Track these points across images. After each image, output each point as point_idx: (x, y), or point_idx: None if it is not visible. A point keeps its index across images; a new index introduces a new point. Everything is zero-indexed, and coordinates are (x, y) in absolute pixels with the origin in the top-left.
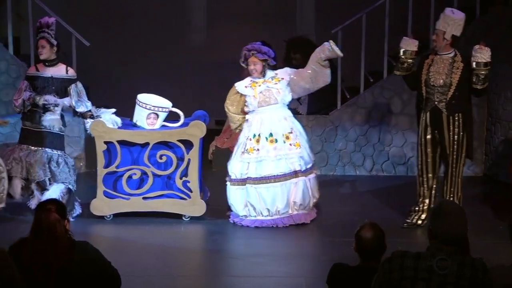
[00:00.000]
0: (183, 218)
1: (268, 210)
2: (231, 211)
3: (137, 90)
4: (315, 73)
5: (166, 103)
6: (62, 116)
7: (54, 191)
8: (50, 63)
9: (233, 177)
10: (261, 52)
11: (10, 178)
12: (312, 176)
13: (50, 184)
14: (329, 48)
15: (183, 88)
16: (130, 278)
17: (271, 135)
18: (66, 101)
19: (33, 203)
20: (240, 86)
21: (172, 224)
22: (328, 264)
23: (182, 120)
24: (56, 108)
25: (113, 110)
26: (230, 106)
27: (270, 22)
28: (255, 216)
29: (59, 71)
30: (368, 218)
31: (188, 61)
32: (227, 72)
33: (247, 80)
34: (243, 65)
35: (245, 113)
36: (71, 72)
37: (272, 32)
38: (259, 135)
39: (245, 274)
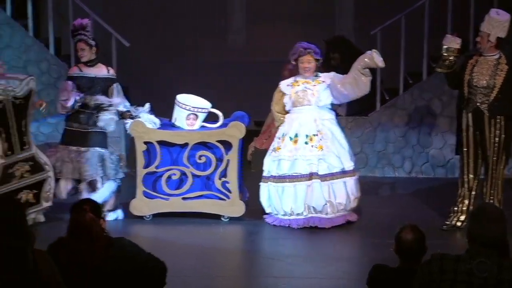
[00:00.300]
0: (222, 218)
1: (283, 209)
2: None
3: (176, 91)
4: (355, 81)
5: (206, 104)
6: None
7: (107, 189)
8: (91, 63)
9: (263, 174)
10: (316, 52)
11: (57, 179)
12: (338, 180)
13: (102, 182)
14: (369, 56)
15: (222, 88)
16: (169, 279)
17: (296, 135)
18: (118, 101)
19: None
20: (283, 84)
21: (211, 225)
22: (368, 265)
23: (221, 121)
24: (111, 107)
25: (147, 104)
26: (275, 105)
27: (309, 23)
28: (276, 214)
29: (101, 71)
30: (408, 220)
31: (228, 61)
32: (266, 73)
33: (291, 79)
34: (293, 62)
35: (287, 112)
36: (112, 72)
37: (311, 33)
38: (286, 134)
39: (284, 275)
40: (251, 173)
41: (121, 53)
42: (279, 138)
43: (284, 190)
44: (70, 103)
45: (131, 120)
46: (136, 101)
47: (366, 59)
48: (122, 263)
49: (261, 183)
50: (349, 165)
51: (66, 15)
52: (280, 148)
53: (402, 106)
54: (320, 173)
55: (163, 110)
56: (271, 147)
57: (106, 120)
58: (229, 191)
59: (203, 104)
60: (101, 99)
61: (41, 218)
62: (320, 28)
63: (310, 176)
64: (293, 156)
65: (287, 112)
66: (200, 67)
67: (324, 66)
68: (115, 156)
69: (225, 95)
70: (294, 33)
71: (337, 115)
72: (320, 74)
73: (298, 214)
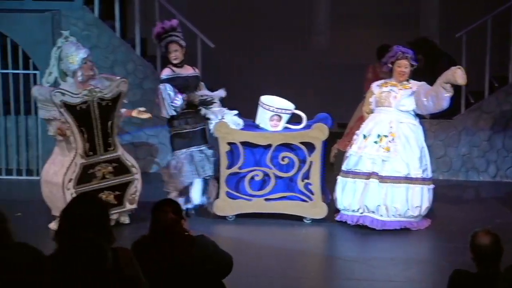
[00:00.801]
0: (305, 220)
1: (360, 207)
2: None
3: (260, 92)
4: (436, 94)
5: (289, 105)
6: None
7: (199, 188)
8: (180, 64)
9: (341, 168)
10: (413, 58)
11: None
12: (401, 185)
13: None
14: (451, 72)
15: (306, 90)
16: (251, 279)
17: (369, 134)
18: (221, 93)
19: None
20: (375, 84)
21: (293, 226)
22: (447, 269)
23: (304, 123)
24: (214, 100)
25: (235, 112)
26: (366, 104)
27: (393, 25)
28: (353, 211)
29: (188, 70)
30: (491, 224)
31: (312, 63)
32: (350, 74)
33: (382, 81)
34: (389, 65)
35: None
36: (197, 71)
37: (395, 35)
38: (367, 132)
39: (366, 278)
40: (333, 175)
41: (205, 54)
42: (357, 135)
43: (346, 185)
44: (180, 102)
45: (215, 121)
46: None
47: (449, 75)
48: (205, 261)
49: (337, 178)
50: (416, 172)
51: (152, 16)
52: (359, 146)
53: (487, 109)
54: (380, 173)
55: (247, 111)
56: (350, 144)
57: (217, 111)
58: (312, 193)
59: (287, 105)
60: (204, 92)
61: (126, 220)
62: (404, 29)
63: (370, 174)
64: (359, 153)
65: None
66: (283, 68)
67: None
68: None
69: (309, 97)
70: (378, 34)
71: (421, 118)
72: (411, 81)
73: (353, 211)
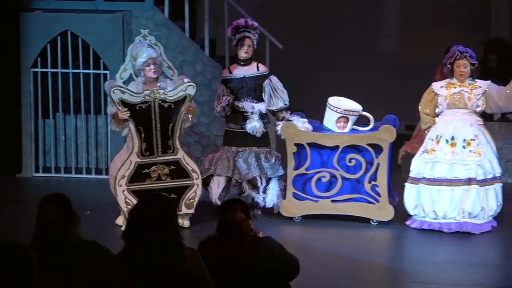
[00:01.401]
0: (371, 222)
1: (435, 212)
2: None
3: (328, 93)
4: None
5: (357, 107)
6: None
7: (274, 189)
8: (246, 62)
9: (411, 174)
10: (472, 56)
11: (210, 177)
12: (491, 187)
13: (261, 181)
14: None
15: (373, 92)
16: (317, 280)
17: (452, 138)
18: (261, 106)
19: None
20: (437, 85)
21: (359, 228)
22: None
23: (372, 124)
24: (253, 114)
25: (305, 120)
26: (424, 106)
27: (463, 26)
28: (424, 217)
29: (251, 69)
30: None
31: (380, 65)
32: (418, 76)
33: (445, 81)
34: (448, 65)
35: (437, 115)
36: (263, 68)
37: (465, 36)
38: (440, 136)
39: (433, 281)
40: (401, 177)
41: (274, 55)
42: (432, 140)
43: (440, 193)
44: (218, 108)
45: (283, 122)
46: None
47: None
48: (271, 262)
49: (407, 184)
50: (499, 170)
51: (221, 17)
52: (434, 150)
53: None
54: (478, 178)
55: (315, 112)
56: (422, 148)
57: (250, 128)
58: (379, 195)
59: (354, 107)
60: (245, 106)
61: (186, 223)
62: (475, 31)
63: (469, 181)
64: (452, 160)
65: (436, 115)
66: (352, 70)
67: (481, 68)
68: (274, 154)
69: (376, 98)
70: (448, 36)
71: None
72: (477, 80)
73: (450, 218)
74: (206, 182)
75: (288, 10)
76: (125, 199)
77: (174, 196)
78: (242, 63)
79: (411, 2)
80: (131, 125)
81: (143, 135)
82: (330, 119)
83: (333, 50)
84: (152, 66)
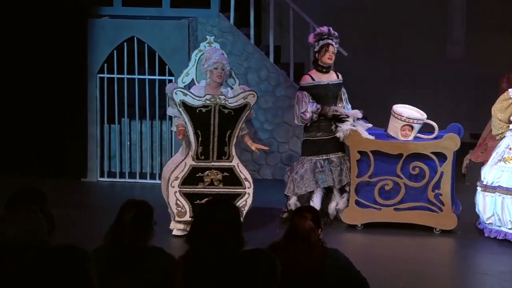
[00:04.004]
0: (434, 231)
1: None
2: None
3: (392, 101)
4: None
5: (421, 115)
6: None
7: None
8: (327, 70)
9: (484, 182)
10: None
11: (310, 193)
12: None
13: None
14: None
15: (438, 100)
16: None
17: None
18: (355, 112)
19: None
20: None
21: (422, 237)
22: None
23: (436, 133)
24: (348, 117)
25: (370, 125)
26: (498, 111)
27: None
28: (500, 226)
29: (332, 76)
30: None
31: (445, 73)
32: (484, 85)
33: None
34: None
35: (511, 122)
36: (341, 77)
37: None
38: None
39: None
40: (465, 186)
41: (339, 62)
42: (509, 149)
43: None
44: (308, 115)
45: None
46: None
47: None
48: (336, 273)
49: (481, 192)
50: None
51: (286, 24)
52: (510, 159)
53: None
54: None
55: (379, 120)
56: (497, 157)
57: (345, 131)
58: (442, 204)
59: (418, 115)
60: (339, 110)
61: None
62: None
63: None
64: None
65: (510, 122)
66: (417, 77)
67: None
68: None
69: (441, 106)
70: None
71: None
72: None
73: None
74: (302, 199)
75: (352, 17)
76: (176, 200)
77: None
78: (324, 70)
79: (478, 9)
80: (190, 128)
81: (200, 138)
82: (394, 127)
83: (398, 57)
84: (219, 70)
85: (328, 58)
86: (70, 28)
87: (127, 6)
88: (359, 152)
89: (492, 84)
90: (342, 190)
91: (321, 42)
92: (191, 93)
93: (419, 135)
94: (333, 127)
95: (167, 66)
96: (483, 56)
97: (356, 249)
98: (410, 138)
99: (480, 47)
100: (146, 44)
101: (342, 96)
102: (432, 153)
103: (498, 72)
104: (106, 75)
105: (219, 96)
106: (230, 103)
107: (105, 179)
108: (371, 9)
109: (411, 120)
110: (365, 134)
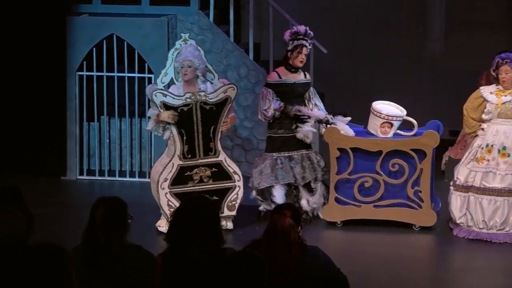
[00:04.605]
0: (414, 227)
1: (485, 222)
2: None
3: (371, 98)
4: None
5: (400, 112)
6: None
7: (321, 190)
8: (296, 69)
9: (457, 182)
10: None
11: (269, 188)
12: None
13: (315, 184)
14: None
15: (417, 97)
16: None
17: (504, 148)
18: (319, 114)
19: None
20: (486, 91)
21: (402, 233)
22: None
23: (415, 129)
24: (310, 118)
25: (349, 118)
26: (470, 110)
27: (508, 31)
28: (470, 226)
29: (299, 76)
30: None
31: (424, 70)
32: (463, 82)
33: (492, 87)
34: (493, 73)
35: (483, 120)
36: (308, 77)
37: (509, 41)
38: (492, 145)
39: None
40: (444, 183)
41: (318, 60)
42: (481, 148)
43: (491, 203)
44: (270, 113)
45: (327, 126)
46: (332, 107)
47: None
48: (315, 271)
49: (454, 192)
50: None
51: (266, 21)
52: (483, 159)
53: None
54: None
55: (359, 117)
56: (470, 156)
57: (304, 132)
58: (421, 200)
59: (398, 112)
60: (302, 110)
61: (230, 226)
62: None
63: None
64: (505, 171)
65: (482, 120)
66: (396, 75)
67: None
68: (320, 156)
69: (421, 103)
70: (495, 42)
71: None
72: None
73: (500, 229)
74: (263, 194)
75: (332, 14)
76: (167, 202)
77: (216, 198)
78: (292, 70)
79: (457, 7)
80: (173, 128)
81: (185, 137)
82: (373, 124)
83: (377, 54)
84: (185, 68)
85: (299, 61)
86: (49, 26)
87: (106, 4)
88: (339, 149)
89: (471, 81)
90: (310, 187)
91: (296, 42)
92: (170, 93)
93: (398, 132)
94: (294, 126)
95: (146, 64)
96: (462, 54)
97: (336, 246)
98: (390, 135)
99: (460, 45)
100: (125, 42)
101: (310, 95)
102: (411, 150)
103: (477, 69)
104: (85, 73)
105: (199, 93)
106: (210, 98)
107: (85, 177)
108: (350, 7)
109: (390, 117)
110: (346, 130)
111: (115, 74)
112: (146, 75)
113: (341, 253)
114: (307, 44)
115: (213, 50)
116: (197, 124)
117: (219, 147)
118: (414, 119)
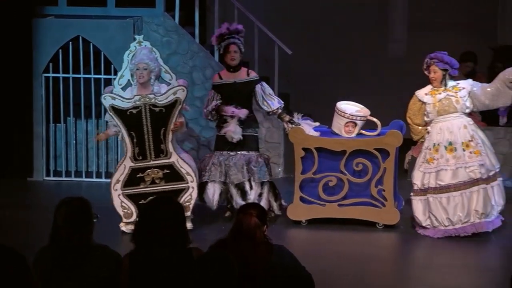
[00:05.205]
0: (377, 226)
1: (450, 219)
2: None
3: (336, 98)
4: (498, 92)
5: (364, 112)
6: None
7: (256, 192)
8: (235, 69)
9: (415, 187)
10: (442, 62)
11: (204, 184)
12: (495, 183)
13: (250, 185)
14: None
15: (381, 97)
16: (323, 282)
17: (450, 143)
18: (242, 113)
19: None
20: (420, 93)
21: (366, 232)
22: None
23: (379, 129)
24: (231, 118)
25: (317, 124)
26: (413, 116)
27: (469, 32)
28: (437, 226)
29: (240, 75)
30: None
31: (387, 70)
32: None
33: (427, 88)
34: (426, 73)
35: (427, 124)
36: (253, 74)
37: (472, 42)
38: (438, 144)
39: (438, 285)
40: (407, 182)
41: (283, 61)
42: (429, 149)
43: (450, 200)
44: (204, 113)
45: (292, 126)
46: (297, 108)
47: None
48: (281, 269)
49: (414, 197)
50: (497, 165)
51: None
52: (433, 159)
53: None
54: (483, 177)
55: (323, 117)
56: (421, 160)
57: (225, 130)
58: (385, 199)
59: (362, 112)
60: (226, 110)
61: (189, 226)
62: (481, 36)
63: (476, 181)
64: (455, 165)
65: (425, 124)
66: (361, 75)
67: (488, 74)
68: (263, 159)
69: (384, 104)
70: (456, 42)
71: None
72: (459, 82)
73: (465, 222)
74: (201, 189)
75: (296, 16)
76: (121, 203)
77: None
78: (231, 69)
79: (419, 8)
80: (123, 130)
81: (135, 140)
82: (337, 124)
83: (341, 55)
84: (140, 71)
85: (230, 59)
86: (15, 28)
87: (72, 6)
88: (304, 149)
89: None
90: (243, 189)
91: (223, 44)
92: (120, 96)
93: (362, 131)
94: (218, 125)
95: (112, 65)
96: (424, 54)
97: (300, 245)
98: (354, 134)
99: (422, 46)
100: (91, 44)
101: (257, 92)
102: (375, 149)
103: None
104: (51, 75)
105: (149, 96)
106: (160, 101)
107: (51, 178)
108: (314, 8)
109: (354, 117)
110: (310, 131)
111: (81, 75)
112: (112, 77)
113: (306, 252)
114: (235, 41)
115: (179, 51)
116: (147, 126)
117: (171, 149)
118: (378, 119)
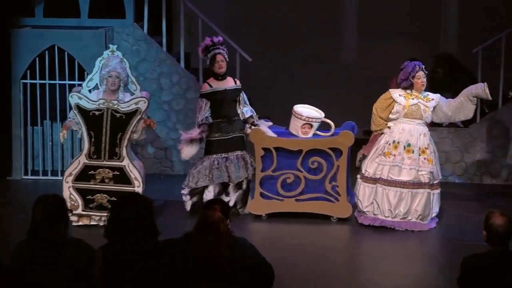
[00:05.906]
0: (332, 219)
1: (391, 211)
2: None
3: (292, 102)
4: (461, 105)
5: (319, 114)
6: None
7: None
8: (223, 77)
9: (365, 174)
10: (426, 70)
11: (205, 187)
12: (436, 191)
13: (246, 182)
14: (481, 88)
15: (334, 100)
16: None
17: (409, 145)
18: (193, 134)
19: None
20: (395, 93)
21: (321, 224)
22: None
23: (332, 130)
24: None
25: (270, 123)
26: (380, 110)
27: (416, 40)
28: (376, 214)
29: (229, 82)
30: None
31: (340, 76)
32: (374, 86)
33: (401, 90)
34: (411, 80)
35: (389, 120)
36: (238, 83)
37: (416, 50)
38: (398, 142)
39: (390, 272)
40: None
41: (244, 68)
42: (388, 144)
43: (397, 195)
44: (197, 124)
45: (253, 127)
46: (257, 112)
47: (478, 90)
48: (243, 261)
49: (362, 183)
50: (441, 176)
51: (195, 32)
52: (391, 154)
53: (500, 118)
54: (430, 183)
55: (281, 119)
56: (377, 151)
57: (182, 152)
58: (338, 194)
59: (317, 114)
60: (246, 112)
61: None
62: (426, 44)
63: (423, 185)
64: (409, 166)
65: (388, 119)
66: (315, 81)
67: (428, 80)
68: (252, 158)
69: (336, 106)
70: (404, 50)
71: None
72: (428, 93)
73: (404, 218)
74: (199, 193)
75: (256, 25)
76: (70, 195)
77: (115, 199)
78: (220, 78)
79: (368, 17)
80: (83, 129)
81: (93, 139)
82: (295, 126)
83: (297, 62)
84: (113, 79)
85: (218, 68)
86: None
87: (48, 17)
88: (263, 148)
89: (382, 85)
90: (239, 186)
91: (209, 55)
92: (86, 97)
93: (317, 132)
94: (230, 128)
95: (85, 72)
96: (374, 61)
97: (261, 237)
98: (309, 135)
99: (371, 52)
100: (66, 52)
101: (241, 99)
102: (329, 148)
103: (387, 75)
104: (29, 81)
105: (112, 101)
106: (122, 108)
107: (29, 177)
108: (272, 18)
109: (310, 119)
110: (268, 132)
111: (57, 82)
112: None
113: (266, 244)
114: (220, 51)
115: (148, 59)
116: (106, 128)
117: (124, 153)
118: (331, 121)
